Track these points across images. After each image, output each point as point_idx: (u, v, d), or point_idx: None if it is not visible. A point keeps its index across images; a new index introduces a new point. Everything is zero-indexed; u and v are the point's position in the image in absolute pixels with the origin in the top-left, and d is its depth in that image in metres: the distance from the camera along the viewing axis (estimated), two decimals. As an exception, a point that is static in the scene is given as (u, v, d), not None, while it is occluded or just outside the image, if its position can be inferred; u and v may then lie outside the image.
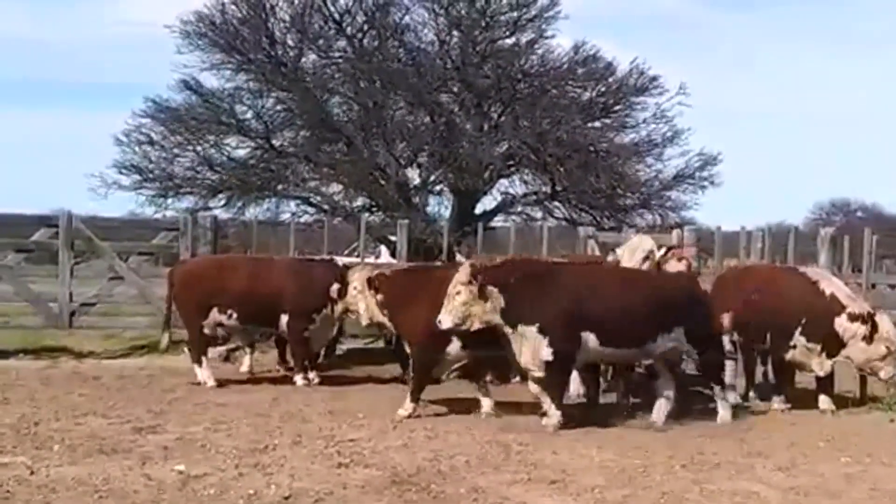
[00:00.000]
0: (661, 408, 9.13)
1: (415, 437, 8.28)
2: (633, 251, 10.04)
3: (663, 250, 10.24)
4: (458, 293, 8.63)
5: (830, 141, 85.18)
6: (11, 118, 73.68)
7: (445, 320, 8.67)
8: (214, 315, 10.91)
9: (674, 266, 11.03)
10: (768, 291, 10.26)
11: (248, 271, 11.13)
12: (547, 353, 8.67)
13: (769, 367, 10.90)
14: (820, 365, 9.91)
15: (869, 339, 9.64)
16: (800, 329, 9.83)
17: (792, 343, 9.89)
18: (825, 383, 9.99)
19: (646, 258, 9.75)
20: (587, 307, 8.81)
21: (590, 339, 8.78)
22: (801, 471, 7.49)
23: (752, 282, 10.73)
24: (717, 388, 9.53)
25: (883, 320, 9.66)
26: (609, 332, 8.82)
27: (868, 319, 9.66)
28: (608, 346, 8.90)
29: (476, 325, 8.72)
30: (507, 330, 8.78)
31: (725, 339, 10.59)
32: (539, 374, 8.81)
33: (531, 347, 8.69)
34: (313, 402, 9.91)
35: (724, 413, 9.33)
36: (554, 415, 8.80)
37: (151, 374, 11.35)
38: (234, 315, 10.93)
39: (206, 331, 11.00)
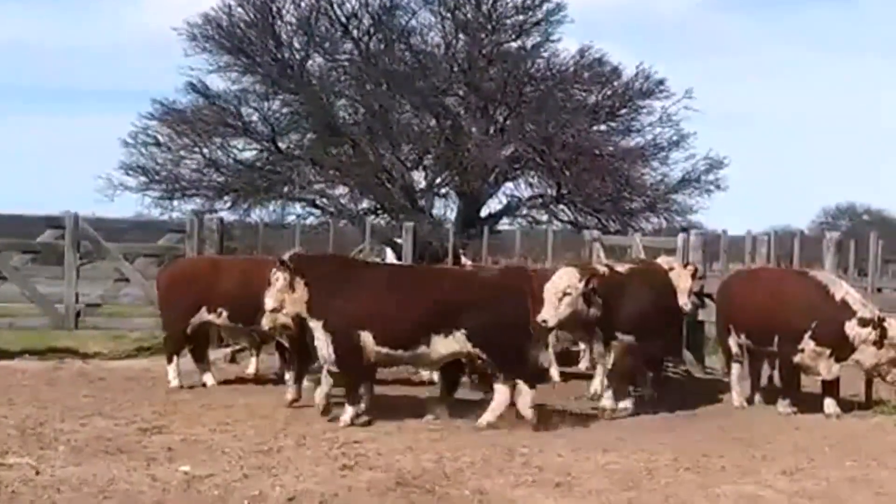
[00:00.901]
0: (492, 409, 8.91)
1: (419, 440, 8.27)
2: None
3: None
4: (276, 279, 8.84)
5: (836, 145, 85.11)
6: (20, 121, 73.87)
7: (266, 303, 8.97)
8: (203, 314, 10.89)
9: (681, 273, 11.08)
10: (777, 295, 10.24)
11: (238, 271, 11.11)
12: (331, 350, 8.80)
13: (775, 370, 10.87)
14: (828, 369, 9.89)
15: (879, 343, 9.62)
16: (809, 332, 9.81)
17: (800, 346, 9.87)
18: (831, 387, 9.97)
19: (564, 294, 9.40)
20: (364, 306, 8.84)
21: (368, 338, 8.80)
22: (807, 475, 7.47)
23: (761, 285, 10.71)
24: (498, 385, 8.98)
25: (892, 325, 9.64)
26: (384, 333, 8.82)
27: (878, 324, 9.64)
28: (384, 347, 8.87)
29: (287, 313, 9.01)
30: (311, 324, 8.94)
31: (732, 341, 10.61)
32: (335, 369, 8.91)
33: (323, 344, 8.86)
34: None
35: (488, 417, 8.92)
36: (348, 411, 8.85)
37: (156, 375, 11.34)
38: (225, 314, 10.90)
39: (189, 331, 10.98)
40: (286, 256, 9.16)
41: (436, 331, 8.86)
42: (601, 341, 9.77)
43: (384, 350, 8.90)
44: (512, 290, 9.25)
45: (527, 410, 8.83)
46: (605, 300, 9.50)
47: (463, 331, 8.85)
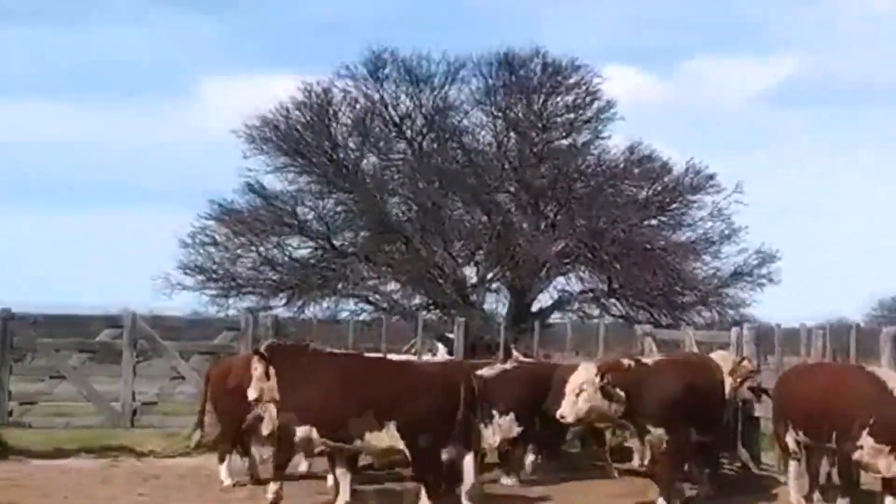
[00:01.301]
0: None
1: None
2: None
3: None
4: (255, 369, 9.16)
5: (891, 234, 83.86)
6: (82, 220, 75.69)
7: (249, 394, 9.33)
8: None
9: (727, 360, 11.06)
10: (835, 390, 10.08)
11: None
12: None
13: (834, 467, 10.63)
14: (888, 466, 9.65)
15: None
16: (868, 429, 9.62)
17: (859, 443, 9.67)
18: (892, 484, 9.70)
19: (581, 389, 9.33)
20: (305, 396, 8.93)
21: (310, 430, 8.90)
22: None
23: (819, 380, 10.56)
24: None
25: None
26: (323, 424, 8.85)
27: None
28: (326, 438, 8.93)
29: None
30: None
31: (790, 437, 10.42)
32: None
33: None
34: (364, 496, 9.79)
35: None
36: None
37: (210, 472, 11.38)
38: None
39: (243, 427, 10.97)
40: (263, 347, 9.45)
41: (370, 423, 8.78)
42: (636, 436, 9.70)
43: (327, 440, 8.96)
44: (447, 383, 9.08)
45: None
46: (630, 393, 9.45)
47: (394, 423, 8.73)
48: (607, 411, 9.46)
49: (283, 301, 20.47)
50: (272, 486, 9.10)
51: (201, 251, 20.36)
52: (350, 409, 8.78)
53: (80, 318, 15.01)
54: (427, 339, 17.64)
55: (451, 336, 16.49)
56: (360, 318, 20.07)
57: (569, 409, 9.32)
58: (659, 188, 20.70)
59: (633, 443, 11.30)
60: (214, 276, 20.32)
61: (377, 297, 20.49)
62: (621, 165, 20.73)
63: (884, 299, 52.34)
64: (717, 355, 12.51)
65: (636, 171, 20.72)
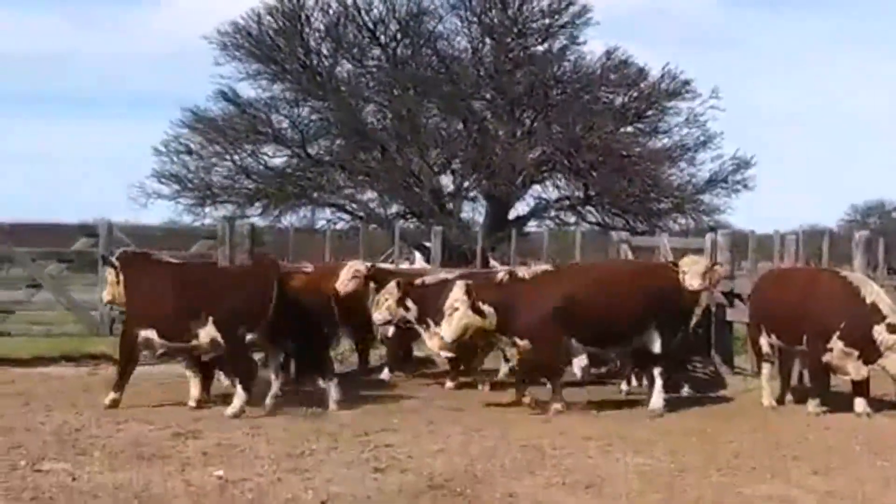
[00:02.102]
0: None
1: (450, 442, 8.33)
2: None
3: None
4: (108, 275, 9.88)
5: (865, 142, 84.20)
6: (53, 129, 74.68)
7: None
8: None
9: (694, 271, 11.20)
10: (808, 294, 10.23)
11: None
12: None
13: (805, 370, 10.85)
14: (856, 370, 9.86)
15: None
16: (838, 333, 9.79)
17: (829, 346, 9.85)
18: (861, 386, 9.94)
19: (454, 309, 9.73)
20: (146, 301, 9.58)
21: (151, 332, 9.53)
22: (838, 475, 7.45)
23: (793, 284, 10.71)
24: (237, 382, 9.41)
25: None
26: (161, 326, 9.48)
27: None
28: (164, 339, 9.57)
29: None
30: None
31: (763, 340, 10.59)
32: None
33: None
34: (348, 406, 9.97)
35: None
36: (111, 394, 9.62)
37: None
38: None
39: None
40: (114, 255, 10.03)
41: (198, 322, 9.35)
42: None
43: (162, 342, 9.57)
44: (256, 282, 9.59)
45: (230, 410, 9.21)
46: (498, 308, 9.71)
47: (211, 318, 9.32)
48: (482, 326, 9.72)
49: (260, 210, 20.42)
50: (111, 395, 9.65)
51: (176, 160, 20.21)
52: (182, 311, 9.40)
53: (55, 226, 14.89)
54: (404, 247, 17.70)
55: (428, 245, 16.54)
56: (337, 226, 20.06)
57: (445, 327, 9.73)
58: (635, 94, 20.60)
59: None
60: (190, 185, 20.19)
61: (354, 205, 20.46)
62: (598, 72, 20.57)
63: (857, 204, 52.95)
64: (688, 259, 12.66)
65: (612, 77, 20.59)
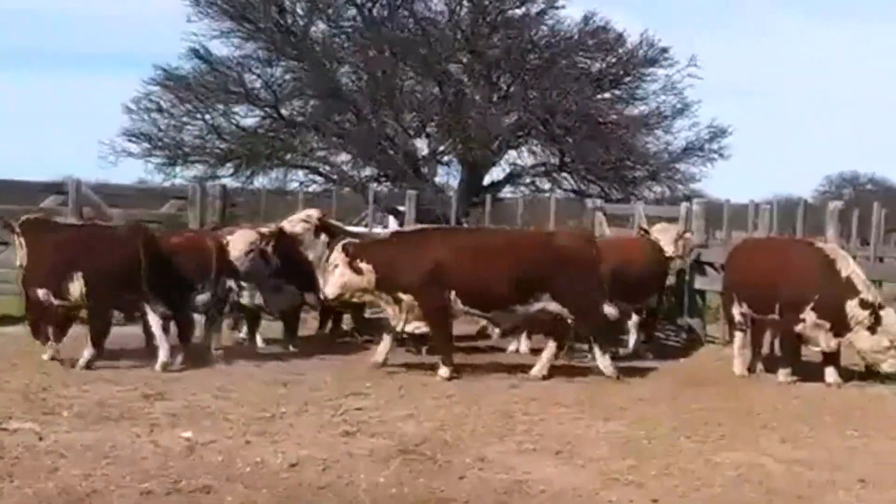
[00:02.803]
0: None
1: (421, 407, 8.31)
2: None
3: None
4: (13, 240, 10.27)
5: (840, 114, 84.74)
6: (21, 85, 73.66)
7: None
8: None
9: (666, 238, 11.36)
10: (783, 264, 10.26)
11: None
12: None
13: (777, 339, 10.90)
14: (827, 342, 9.92)
15: (872, 329, 9.62)
16: (811, 304, 9.83)
17: (802, 317, 9.89)
18: (832, 356, 10.00)
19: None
20: (38, 262, 9.90)
21: (46, 293, 9.79)
22: (806, 443, 7.50)
23: (768, 254, 10.73)
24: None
25: (889, 314, 9.65)
26: (51, 286, 9.78)
27: (875, 310, 9.64)
28: (57, 298, 9.79)
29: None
30: None
31: (735, 309, 10.62)
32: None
33: None
34: (320, 371, 9.94)
35: None
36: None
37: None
38: None
39: None
40: (20, 221, 10.23)
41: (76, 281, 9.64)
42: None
43: (59, 300, 9.76)
44: (124, 244, 9.88)
45: (80, 362, 9.54)
46: (377, 266, 9.89)
47: (81, 274, 9.62)
48: (360, 284, 9.89)
49: (231, 171, 20.20)
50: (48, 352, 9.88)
51: (146, 118, 19.92)
52: (60, 269, 9.71)
53: (22, 184, 14.65)
54: (378, 211, 17.60)
55: (401, 209, 16.43)
56: (310, 189, 19.90)
57: (328, 286, 10.04)
58: (613, 60, 20.50)
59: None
60: (160, 143, 19.93)
61: (327, 168, 20.29)
62: (575, 37, 20.43)
63: (832, 176, 53.30)
64: (659, 227, 12.78)
65: (590, 42, 20.46)
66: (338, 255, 9.90)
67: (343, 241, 10.14)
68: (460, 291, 9.80)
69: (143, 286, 9.74)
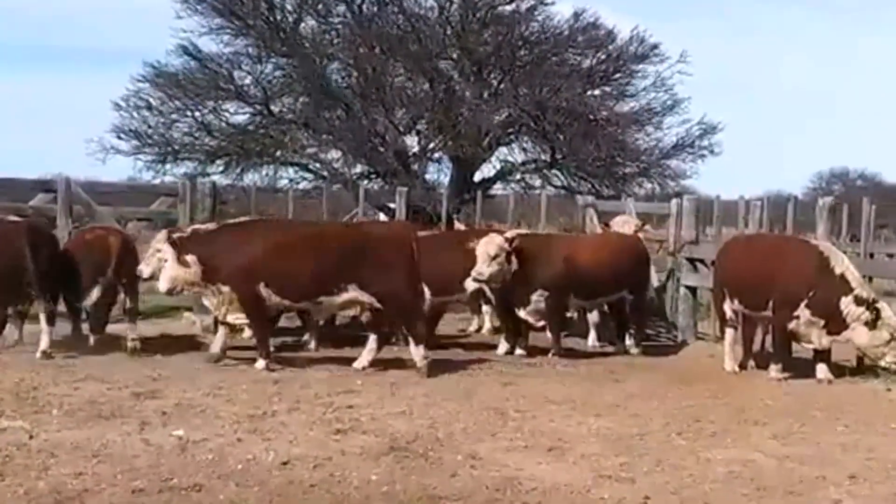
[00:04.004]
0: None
1: (413, 405, 8.31)
2: None
3: None
4: None
5: (831, 110, 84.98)
6: (10, 82, 73.37)
7: None
8: None
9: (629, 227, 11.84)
10: (777, 261, 10.27)
11: None
12: None
13: (768, 335, 10.92)
14: (819, 339, 9.94)
15: (871, 324, 9.65)
16: (805, 301, 9.84)
17: (796, 314, 9.91)
18: (823, 352, 10.03)
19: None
20: None
21: None
22: (797, 439, 7.53)
23: (760, 251, 10.75)
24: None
25: (885, 308, 9.69)
26: None
27: (871, 305, 9.67)
28: None
29: None
30: None
31: (727, 306, 10.64)
32: None
33: None
34: (312, 369, 9.94)
35: None
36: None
37: (150, 338, 11.35)
38: None
39: None
40: None
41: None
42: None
43: None
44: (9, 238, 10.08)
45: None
46: (200, 258, 10.07)
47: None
48: (189, 277, 10.08)
49: (221, 168, 20.09)
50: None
51: (136, 115, 19.79)
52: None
53: (11, 181, 14.60)
54: (368, 208, 17.56)
55: (392, 206, 16.41)
56: (300, 186, 19.85)
57: (160, 281, 10.23)
58: (603, 57, 20.41)
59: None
60: (150, 141, 19.80)
61: (317, 165, 20.19)
62: (565, 33, 20.37)
63: (822, 172, 53.50)
64: (619, 220, 13.03)
65: (580, 38, 20.38)
66: (166, 249, 10.10)
67: (168, 234, 10.40)
68: (270, 283, 9.92)
69: (30, 280, 9.98)
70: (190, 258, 10.00)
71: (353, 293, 9.95)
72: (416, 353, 9.89)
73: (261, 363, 9.84)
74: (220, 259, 10.01)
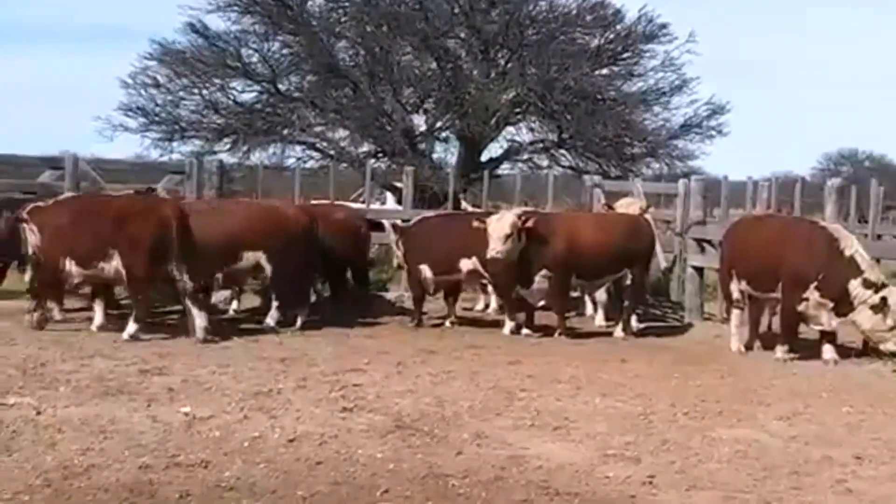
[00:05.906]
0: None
1: (419, 383, 8.32)
2: None
3: None
4: None
5: (840, 91, 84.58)
6: (17, 59, 73.30)
7: None
8: None
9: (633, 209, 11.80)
10: (787, 242, 10.24)
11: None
12: None
13: (774, 316, 10.91)
14: (828, 321, 9.93)
15: (878, 308, 9.62)
16: (815, 283, 9.82)
17: (805, 295, 9.89)
18: (829, 334, 10.02)
19: None
20: None
21: None
22: (803, 420, 7.52)
23: (769, 232, 10.71)
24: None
25: (892, 294, 9.65)
26: None
27: (880, 289, 9.64)
28: None
29: None
30: None
31: (734, 287, 10.62)
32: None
33: None
34: (318, 347, 9.96)
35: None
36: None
37: (156, 315, 11.37)
38: None
39: None
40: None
41: None
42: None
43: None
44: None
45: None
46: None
47: None
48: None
49: (228, 146, 20.09)
50: None
51: (143, 93, 19.79)
52: None
53: (19, 158, 14.60)
54: (375, 187, 17.54)
55: (399, 185, 16.39)
56: (307, 165, 19.84)
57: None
58: (611, 36, 20.33)
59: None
60: (157, 118, 19.81)
61: (324, 144, 20.17)
62: (573, 12, 20.29)
63: (830, 153, 53.27)
64: (624, 202, 13.02)
65: (588, 17, 20.30)
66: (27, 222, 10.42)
67: (31, 206, 10.68)
68: (68, 254, 10.28)
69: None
70: (33, 228, 10.38)
71: (115, 263, 10.24)
72: (198, 322, 10.08)
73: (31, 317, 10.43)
74: (44, 233, 10.39)
